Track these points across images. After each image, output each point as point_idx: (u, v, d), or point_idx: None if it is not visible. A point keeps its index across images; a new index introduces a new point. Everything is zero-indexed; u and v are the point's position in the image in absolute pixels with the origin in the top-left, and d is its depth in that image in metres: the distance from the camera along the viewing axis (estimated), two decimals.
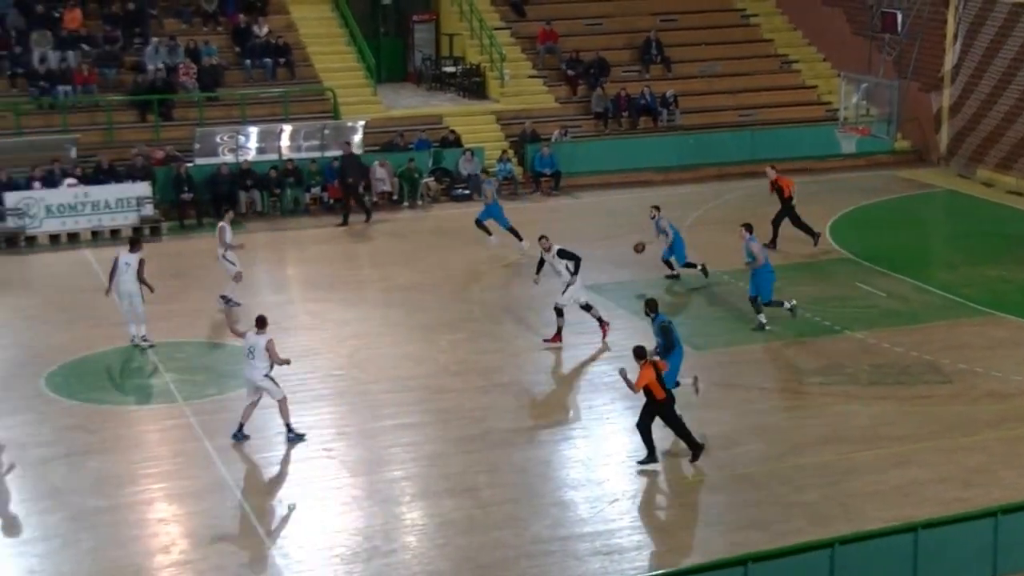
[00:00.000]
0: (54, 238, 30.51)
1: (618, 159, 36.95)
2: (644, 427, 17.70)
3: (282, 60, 37.30)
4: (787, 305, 23.64)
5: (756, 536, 15.72)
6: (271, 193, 33.19)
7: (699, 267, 26.56)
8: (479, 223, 29.20)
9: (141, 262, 22.77)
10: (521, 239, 28.73)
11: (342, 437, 19.08)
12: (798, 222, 29.26)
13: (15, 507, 16.79)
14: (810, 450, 18.41)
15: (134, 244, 23.30)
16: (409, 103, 39.34)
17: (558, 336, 22.68)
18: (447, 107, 38.70)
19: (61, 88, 34.56)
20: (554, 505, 16.81)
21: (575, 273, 22.66)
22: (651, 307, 19.77)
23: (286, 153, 34.53)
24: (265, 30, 37.95)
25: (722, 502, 16.92)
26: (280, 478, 17.65)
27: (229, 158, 33.79)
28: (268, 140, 34.78)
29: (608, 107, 38.20)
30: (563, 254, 22.79)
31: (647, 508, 16.81)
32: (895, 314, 24.62)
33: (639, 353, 17.79)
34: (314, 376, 21.41)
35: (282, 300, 25.83)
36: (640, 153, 37.08)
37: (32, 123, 33.79)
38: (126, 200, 31.08)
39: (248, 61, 37.15)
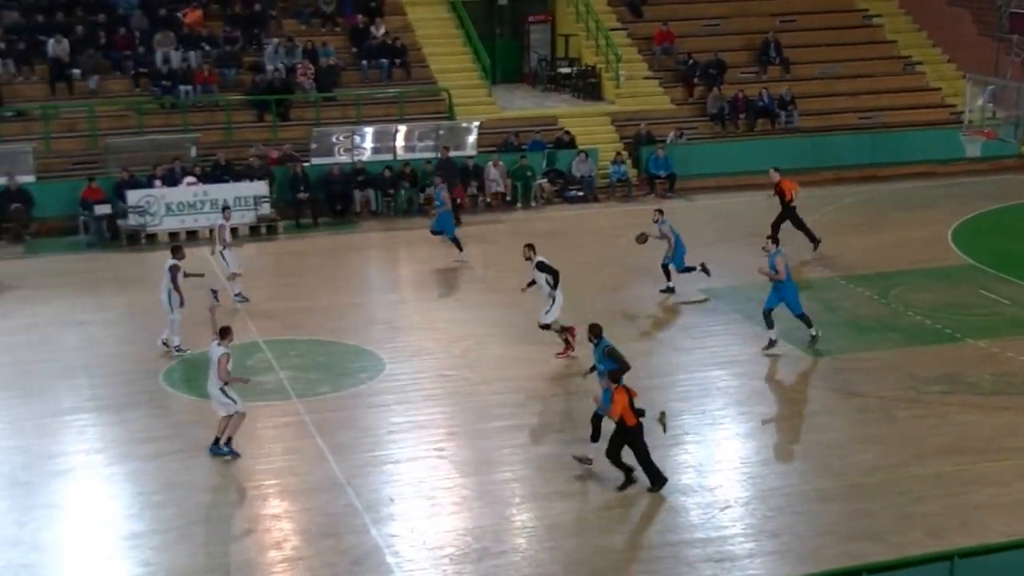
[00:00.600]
0: (173, 236, 31.02)
1: (734, 161, 36.56)
2: (614, 455, 17.04)
3: (398, 61, 37.56)
4: (813, 332, 22.50)
5: (871, 547, 15.35)
6: (385, 193, 33.41)
7: (699, 267, 25.77)
8: (434, 232, 28.76)
9: (173, 269, 22.46)
10: (461, 249, 28.36)
11: (453, 437, 19.08)
12: (801, 226, 28.67)
13: (132, 499, 17.07)
14: (929, 460, 17.95)
15: (175, 251, 22.97)
16: (524, 104, 39.35)
17: (568, 348, 22.18)
18: (562, 108, 38.63)
19: (182, 88, 35.21)
20: (665, 510, 16.61)
21: (554, 288, 22.04)
22: (594, 332, 18.45)
23: (400, 153, 34.75)
24: (382, 31, 38.24)
25: (836, 511, 16.55)
26: (391, 477, 17.67)
27: (344, 158, 34.13)
28: (383, 140, 35.05)
29: (725, 109, 37.79)
30: (542, 267, 22.15)
31: (759, 515, 16.50)
32: (1020, 323, 23.93)
33: (614, 376, 17.08)
34: (425, 376, 21.46)
35: (394, 300, 25.96)
36: (756, 155, 36.60)
37: (154, 122, 34.45)
38: (244, 199, 31.53)
39: (365, 62, 37.47)
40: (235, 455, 18.23)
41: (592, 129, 37.42)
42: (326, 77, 36.43)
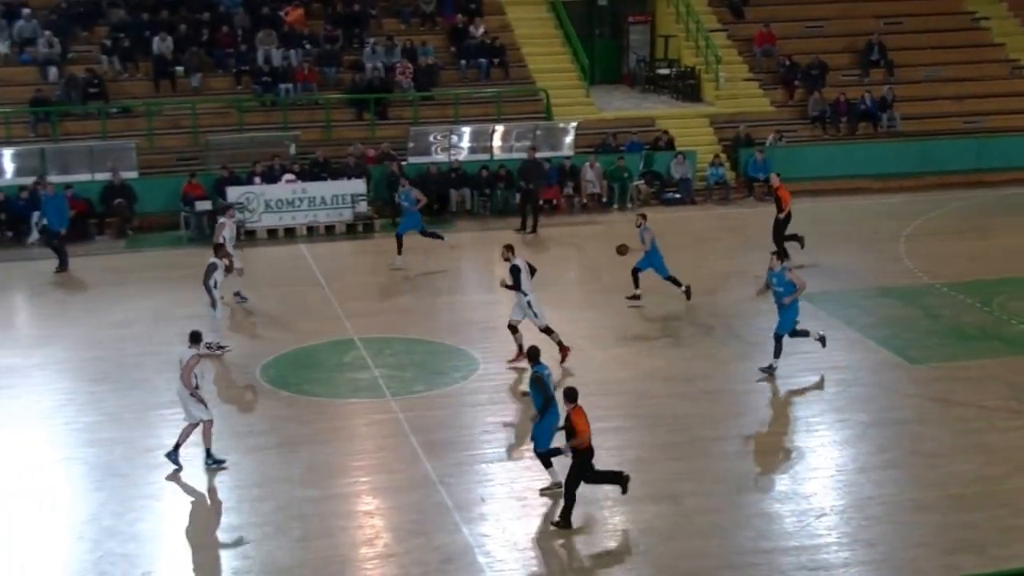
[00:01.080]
0: (272, 232, 31.41)
1: (834, 165, 36.10)
2: (586, 481, 16.21)
3: (496, 60, 37.62)
4: (816, 334, 21.73)
5: (971, 559, 15.02)
6: (481, 193, 33.47)
7: (683, 288, 25.20)
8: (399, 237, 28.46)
9: (209, 267, 22.56)
10: (399, 254, 28.13)
11: None
12: (778, 236, 27.84)
13: (229, 492, 17.26)
14: None
15: (217, 249, 23.24)
16: (622, 105, 39.21)
17: (565, 349, 21.89)
18: (660, 109, 38.43)
19: (283, 86, 35.61)
20: (759, 516, 16.39)
21: (518, 288, 21.68)
22: (532, 356, 17.61)
23: (497, 153, 34.79)
24: (481, 30, 38.33)
25: (935, 522, 16.21)
26: (484, 476, 17.66)
27: (441, 157, 34.26)
28: (480, 140, 35.14)
29: (826, 112, 37.29)
30: (512, 271, 21.75)
31: (855, 524, 16.21)
32: None
33: (570, 395, 16.06)
34: (519, 376, 21.41)
35: (490, 300, 25.96)
36: (858, 159, 36.15)
37: (254, 120, 34.89)
38: (341, 197, 31.79)
39: (463, 61, 37.59)
40: (221, 464, 17.86)
41: (690, 131, 37.16)
42: (425, 76, 36.61)
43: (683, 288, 25.21)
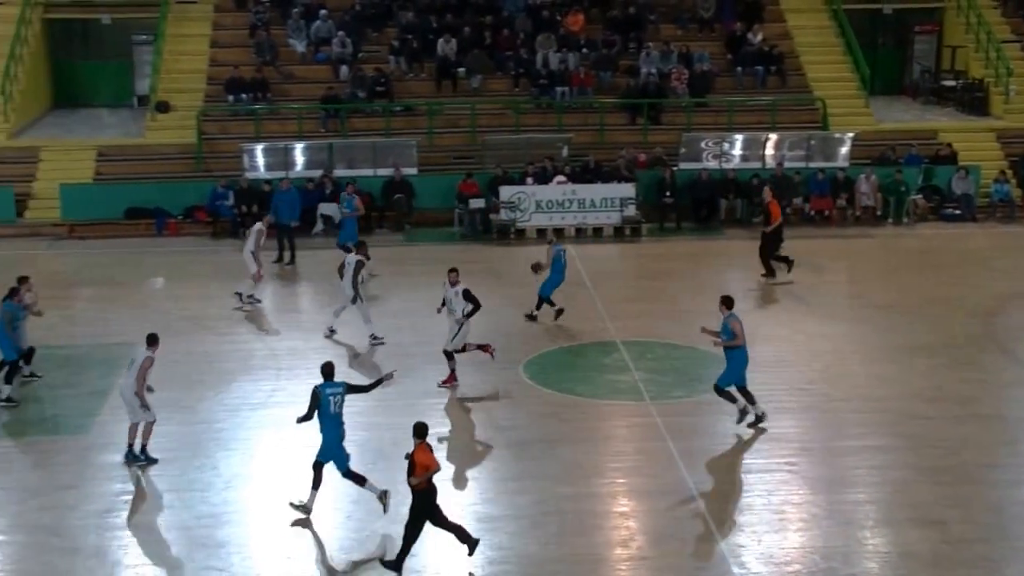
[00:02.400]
0: (541, 232, 31.91)
1: None
2: (439, 523, 15.32)
3: (773, 68, 37.18)
4: (753, 410, 19.43)
5: None
6: (751, 201, 33.14)
7: (556, 308, 24.50)
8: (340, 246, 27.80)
9: (359, 264, 23.31)
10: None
11: (805, 452, 18.71)
12: (765, 253, 27.03)
13: (489, 483, 17.67)
14: None
15: (359, 247, 23.88)
16: (902, 117, 38.14)
17: (452, 377, 21.19)
18: (943, 122, 37.20)
19: (559, 89, 36.16)
20: None
21: (468, 317, 21.06)
22: (325, 372, 17.02)
23: (769, 162, 34.37)
24: (759, 38, 37.94)
25: None
26: (740, 487, 17.53)
27: (712, 164, 34.10)
28: (752, 148, 34.80)
29: None
30: (468, 296, 21.08)
31: None
32: None
33: (418, 431, 15.14)
34: (781, 387, 21.15)
35: (755, 308, 25.72)
36: None
37: (530, 121, 35.54)
38: (610, 200, 32.04)
39: (739, 68, 37.30)
40: (152, 461, 18.11)
41: (975, 145, 35.81)
42: (699, 82, 36.50)
43: (555, 309, 24.60)
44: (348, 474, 16.81)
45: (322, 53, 37.02)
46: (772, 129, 35.22)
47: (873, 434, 19.23)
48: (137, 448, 18.21)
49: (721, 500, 17.10)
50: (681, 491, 17.32)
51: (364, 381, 18.39)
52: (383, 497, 16.59)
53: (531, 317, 24.79)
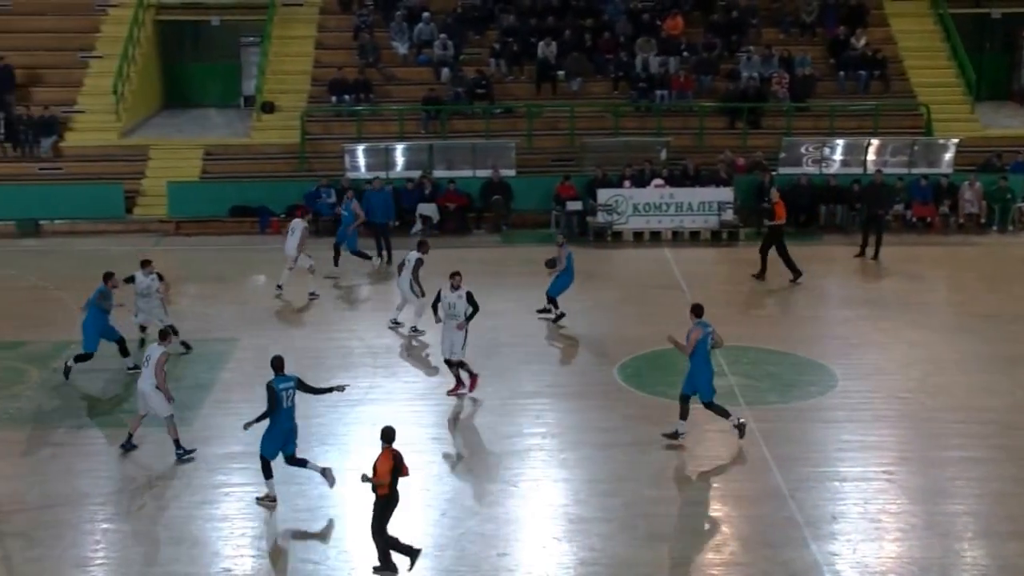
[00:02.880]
0: (637, 235, 31.94)
1: None
2: (379, 531, 15.30)
3: (877, 73, 36.78)
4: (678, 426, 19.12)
5: None
6: (851, 207, 32.79)
7: (556, 312, 24.68)
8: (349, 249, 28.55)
9: (418, 262, 23.76)
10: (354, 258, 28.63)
11: (904, 462, 18.52)
12: (765, 251, 27.64)
13: (581, 485, 17.75)
14: None
15: (421, 245, 24.26)
16: (1010, 123, 37.53)
17: (460, 385, 20.97)
18: None
19: (658, 92, 36.14)
20: None
21: (469, 319, 20.82)
22: (276, 366, 17.10)
23: (871, 168, 34.00)
24: (863, 42, 37.56)
25: None
26: (836, 495, 17.39)
27: (812, 169, 33.83)
28: (853, 154, 34.47)
29: None
30: (470, 299, 20.85)
31: None
32: None
33: (385, 435, 15.27)
34: (879, 396, 20.97)
35: (852, 316, 25.52)
36: None
37: (629, 125, 35.56)
38: (708, 204, 31.95)
39: (842, 73, 36.96)
40: (190, 454, 18.45)
41: None
42: (801, 87, 36.24)
43: (557, 312, 24.81)
44: (265, 462, 17.01)
45: (424, 55, 37.39)
46: (874, 134, 34.82)
47: (972, 445, 18.97)
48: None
49: (816, 507, 16.99)
50: (775, 497, 17.25)
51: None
52: (326, 473, 17.21)
53: (557, 318, 24.79)
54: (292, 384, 17.04)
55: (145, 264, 22.72)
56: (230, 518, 16.86)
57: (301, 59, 37.82)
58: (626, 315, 25.67)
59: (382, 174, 32.66)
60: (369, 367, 22.52)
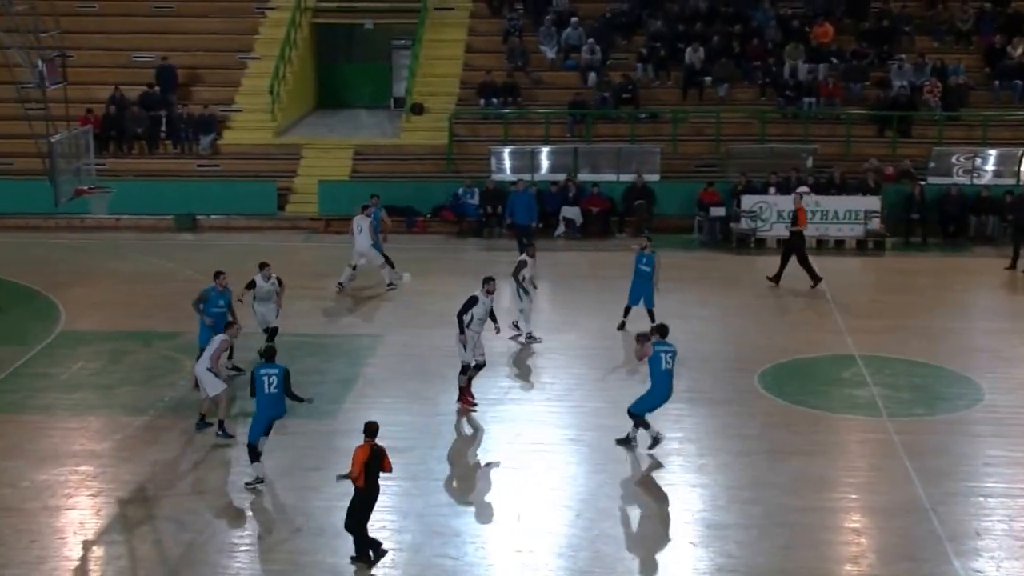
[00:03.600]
0: (781, 242, 31.65)
1: None
2: (354, 525, 15.54)
3: None
4: (652, 434, 18.85)
5: None
6: (1003, 219, 32.07)
7: (624, 321, 24.44)
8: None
9: (519, 263, 23.78)
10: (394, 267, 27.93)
11: None
12: (792, 262, 27.49)
13: (720, 491, 17.74)
14: None
15: (526, 247, 24.41)
16: None
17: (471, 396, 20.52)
18: None
19: (806, 100, 35.81)
20: None
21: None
22: (266, 355, 17.77)
23: None
24: (1020, 51, 36.68)
25: None
26: (981, 511, 17.04)
27: (963, 180, 33.19)
28: (1006, 164, 33.75)
29: None
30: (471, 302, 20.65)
31: None
32: None
33: (367, 429, 15.46)
34: None
35: (1001, 329, 25.06)
36: None
37: (775, 131, 35.27)
38: (854, 213, 31.56)
39: (997, 82, 36.15)
40: (229, 436, 19.04)
41: None
42: (953, 96, 35.55)
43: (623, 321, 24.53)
44: (251, 447, 17.68)
45: (571, 60, 37.61)
46: None
47: None
48: (212, 420, 19.34)
49: (959, 522, 16.72)
50: (916, 510, 17.03)
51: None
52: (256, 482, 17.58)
53: (621, 325, 24.69)
54: (276, 372, 17.60)
55: (264, 267, 22.53)
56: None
57: (451, 62, 38.36)
58: (767, 323, 25.54)
59: (527, 176, 32.95)
60: (509, 367, 22.81)
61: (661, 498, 17.60)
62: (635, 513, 17.13)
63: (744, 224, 31.80)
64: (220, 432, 19.23)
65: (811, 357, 23.36)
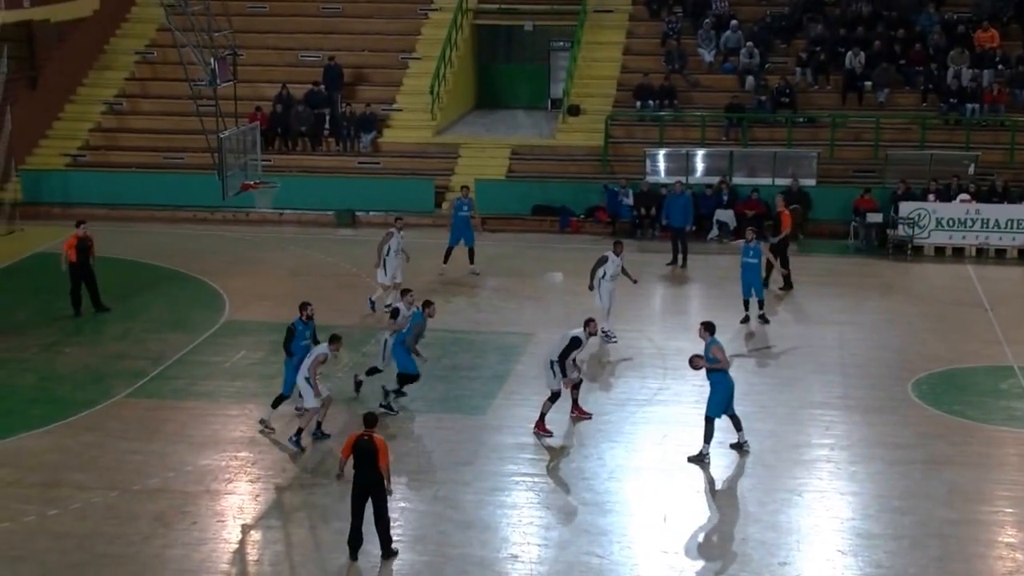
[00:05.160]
0: (939, 250, 31.13)
1: None
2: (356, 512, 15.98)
3: None
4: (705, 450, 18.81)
5: None
6: None
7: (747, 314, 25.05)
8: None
9: (599, 259, 24.07)
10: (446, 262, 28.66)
11: None
12: (784, 262, 27.16)
13: (871, 500, 17.62)
14: None
15: (615, 245, 24.38)
16: None
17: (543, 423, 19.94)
18: None
19: (969, 106, 35.05)
20: None
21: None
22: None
23: None
24: None
25: None
26: None
27: None
28: None
29: None
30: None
31: None
32: None
33: (365, 419, 16.07)
34: None
35: None
36: None
37: (936, 138, 34.62)
38: (1017, 221, 30.85)
39: None
40: (301, 449, 19.20)
41: None
42: None
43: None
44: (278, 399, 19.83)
45: (729, 63, 37.45)
46: None
47: None
48: (296, 429, 19.48)
49: None
50: None
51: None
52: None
53: (744, 319, 25.26)
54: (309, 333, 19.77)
55: (405, 293, 21.53)
56: (519, 506, 17.57)
57: (609, 64, 38.51)
58: (923, 331, 25.14)
59: (682, 179, 32.94)
60: (659, 368, 22.91)
61: (809, 504, 17.54)
62: (782, 518, 17.09)
63: (901, 231, 31.31)
64: (317, 433, 19.57)
65: (967, 367, 22.95)
